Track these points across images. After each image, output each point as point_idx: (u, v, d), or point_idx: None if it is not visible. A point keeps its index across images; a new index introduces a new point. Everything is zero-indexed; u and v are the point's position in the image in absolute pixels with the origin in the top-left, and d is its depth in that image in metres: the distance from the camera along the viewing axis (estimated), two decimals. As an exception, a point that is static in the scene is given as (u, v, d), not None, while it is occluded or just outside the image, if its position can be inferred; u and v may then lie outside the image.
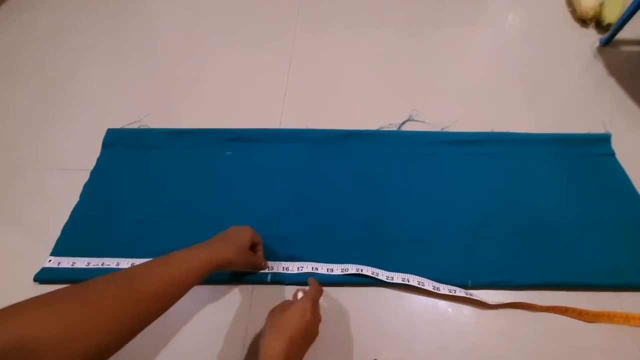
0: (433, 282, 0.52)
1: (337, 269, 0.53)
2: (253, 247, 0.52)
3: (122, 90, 0.80)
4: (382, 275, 0.53)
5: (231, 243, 0.46)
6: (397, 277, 0.52)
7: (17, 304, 0.29)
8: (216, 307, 0.52)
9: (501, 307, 0.51)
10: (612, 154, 0.67)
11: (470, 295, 0.51)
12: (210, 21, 0.96)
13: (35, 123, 0.74)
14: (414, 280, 0.52)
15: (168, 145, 0.69)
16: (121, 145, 0.69)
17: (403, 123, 0.72)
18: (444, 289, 0.52)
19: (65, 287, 0.32)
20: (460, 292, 0.51)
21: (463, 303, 0.52)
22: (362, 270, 0.53)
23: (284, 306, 0.43)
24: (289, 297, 0.51)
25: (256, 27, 0.94)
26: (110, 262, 0.55)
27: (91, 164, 0.66)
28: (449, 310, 0.52)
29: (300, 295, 0.47)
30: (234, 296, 0.53)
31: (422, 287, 0.52)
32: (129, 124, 0.73)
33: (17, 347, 0.25)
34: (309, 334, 0.42)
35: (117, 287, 0.34)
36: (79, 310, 0.30)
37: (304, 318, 0.41)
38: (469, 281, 0.53)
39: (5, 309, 0.28)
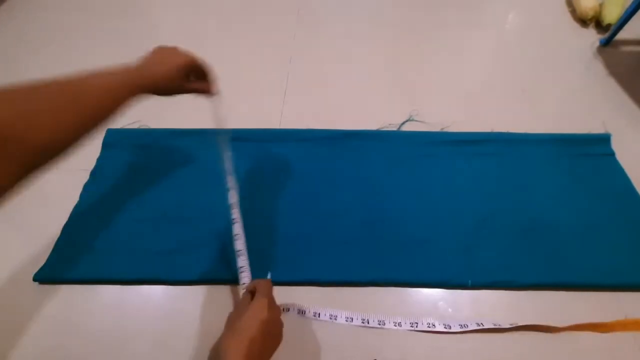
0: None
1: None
2: (200, 76, 0.49)
3: (122, 90, 0.80)
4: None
5: (153, 69, 0.43)
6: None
7: None
8: (216, 307, 0.52)
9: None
10: (612, 154, 0.67)
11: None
12: (210, 21, 0.96)
13: (35, 123, 0.74)
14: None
15: (168, 145, 0.69)
16: (121, 145, 0.69)
17: (403, 123, 0.72)
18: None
19: (14, 86, 0.32)
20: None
21: (463, 304, 0.52)
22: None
23: (240, 308, 0.42)
24: (290, 300, 0.51)
25: (256, 27, 0.94)
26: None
27: (91, 164, 0.66)
28: (449, 310, 0.52)
29: (242, 291, 0.46)
30: (234, 296, 0.53)
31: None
32: (129, 124, 0.73)
33: None
34: (269, 332, 0.40)
35: (62, 87, 0.34)
36: (30, 100, 0.31)
37: (261, 316, 0.40)
38: (469, 281, 0.53)
39: None
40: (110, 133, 0.70)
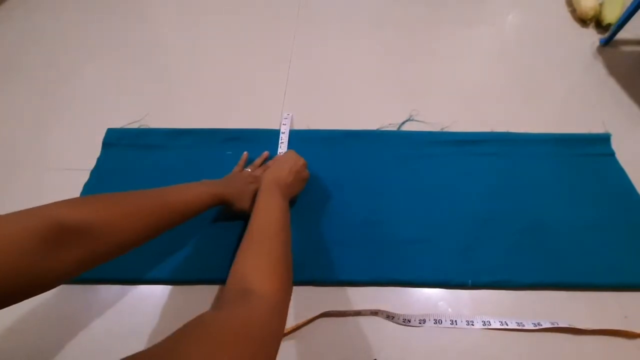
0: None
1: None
2: None
3: (122, 90, 0.80)
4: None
5: (232, 186, 0.54)
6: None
7: (77, 198, 0.37)
8: (216, 307, 0.52)
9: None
10: (612, 154, 0.67)
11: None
12: (210, 21, 0.96)
13: (35, 123, 0.74)
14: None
15: (168, 145, 0.69)
16: (121, 145, 0.69)
17: (403, 123, 0.72)
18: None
19: (112, 193, 0.40)
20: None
21: (463, 303, 0.52)
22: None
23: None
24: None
25: (256, 27, 0.94)
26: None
27: (91, 164, 0.66)
28: (449, 310, 0.52)
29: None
30: (234, 296, 0.53)
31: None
32: (129, 124, 0.73)
33: (76, 227, 0.32)
34: (297, 171, 0.56)
35: (150, 197, 0.43)
36: (122, 208, 0.38)
37: (294, 155, 0.58)
38: (469, 281, 0.53)
39: (73, 200, 0.36)
40: (110, 133, 0.71)
